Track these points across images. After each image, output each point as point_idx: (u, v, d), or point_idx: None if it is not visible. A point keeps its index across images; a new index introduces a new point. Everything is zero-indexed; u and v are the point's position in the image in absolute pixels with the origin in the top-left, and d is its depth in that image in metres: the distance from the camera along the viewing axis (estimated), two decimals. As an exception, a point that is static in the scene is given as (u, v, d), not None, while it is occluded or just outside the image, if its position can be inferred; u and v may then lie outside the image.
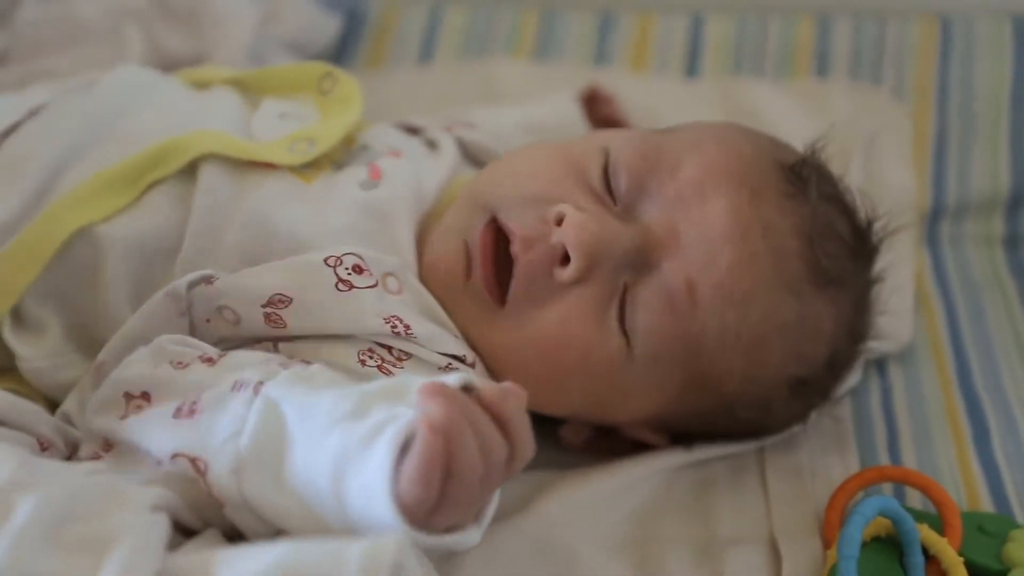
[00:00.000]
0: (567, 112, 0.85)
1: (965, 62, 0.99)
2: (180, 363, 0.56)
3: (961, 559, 0.57)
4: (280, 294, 0.59)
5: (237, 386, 0.53)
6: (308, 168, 0.66)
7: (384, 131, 0.72)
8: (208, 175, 0.63)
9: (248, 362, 0.56)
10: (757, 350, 0.63)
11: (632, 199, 0.63)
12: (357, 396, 0.50)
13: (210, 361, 0.56)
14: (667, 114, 0.97)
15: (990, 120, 0.97)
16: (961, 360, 0.79)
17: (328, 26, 1.05)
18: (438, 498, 0.46)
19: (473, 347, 0.63)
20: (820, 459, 0.69)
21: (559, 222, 0.60)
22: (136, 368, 0.56)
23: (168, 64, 0.94)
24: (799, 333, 0.64)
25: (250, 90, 0.73)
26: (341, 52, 1.08)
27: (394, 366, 0.59)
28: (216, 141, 0.64)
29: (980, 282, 0.88)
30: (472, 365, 0.62)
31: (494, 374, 0.63)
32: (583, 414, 0.66)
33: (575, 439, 0.68)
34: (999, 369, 0.78)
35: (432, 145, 0.73)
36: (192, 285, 0.59)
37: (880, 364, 0.78)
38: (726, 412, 0.66)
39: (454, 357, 0.62)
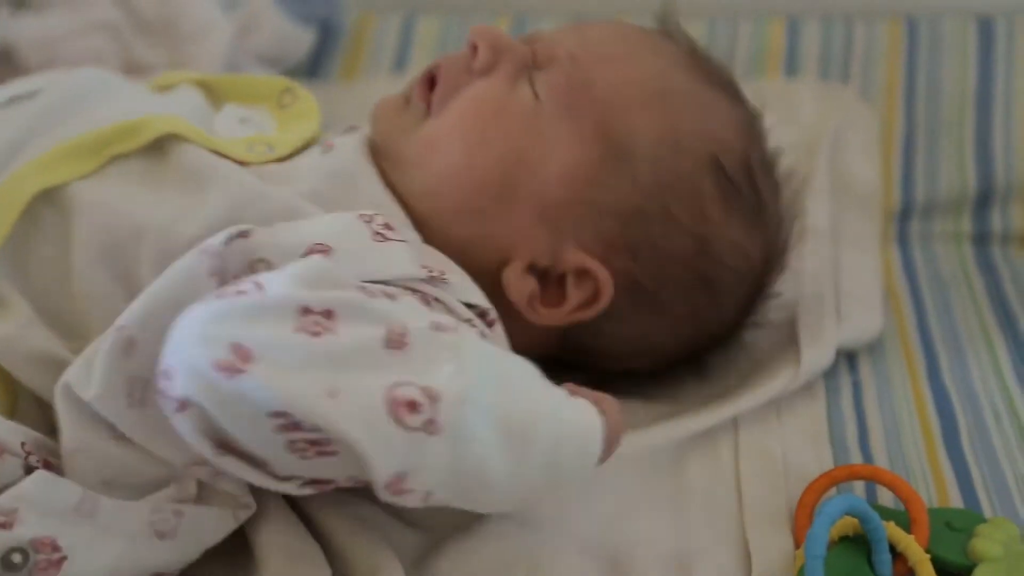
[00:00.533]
0: None
1: (931, 62, 1.01)
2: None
3: (928, 555, 0.58)
4: (320, 243, 0.58)
5: (435, 327, 0.51)
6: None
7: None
8: (182, 147, 0.64)
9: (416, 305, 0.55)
10: (668, 110, 0.68)
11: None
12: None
13: (387, 296, 0.54)
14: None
15: (956, 119, 0.98)
16: (930, 355, 0.80)
17: (302, 39, 1.05)
18: None
19: (398, 166, 0.67)
20: (795, 456, 0.69)
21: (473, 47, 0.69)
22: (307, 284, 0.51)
23: (143, 77, 0.96)
24: (708, 111, 0.70)
25: (213, 93, 0.75)
26: (316, 64, 1.09)
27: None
28: (181, 125, 0.66)
29: (948, 278, 0.89)
30: (492, 323, 0.62)
31: (408, 185, 0.67)
32: (511, 180, 0.66)
33: (520, 289, 0.66)
34: (967, 364, 0.79)
35: None
36: (229, 240, 0.56)
37: (851, 359, 0.79)
38: (661, 218, 0.67)
39: (477, 310, 0.62)
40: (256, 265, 0.57)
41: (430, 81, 0.69)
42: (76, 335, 0.60)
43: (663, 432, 0.69)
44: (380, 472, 0.47)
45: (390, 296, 0.54)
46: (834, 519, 0.56)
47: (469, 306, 0.62)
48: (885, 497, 0.66)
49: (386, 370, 0.48)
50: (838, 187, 0.93)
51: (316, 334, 0.47)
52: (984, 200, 0.95)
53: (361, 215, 0.61)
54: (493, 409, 0.50)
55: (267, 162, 0.68)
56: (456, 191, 0.66)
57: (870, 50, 1.03)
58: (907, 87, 1.01)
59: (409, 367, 0.49)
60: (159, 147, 0.65)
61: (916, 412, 0.75)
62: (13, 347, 0.59)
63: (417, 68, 1.05)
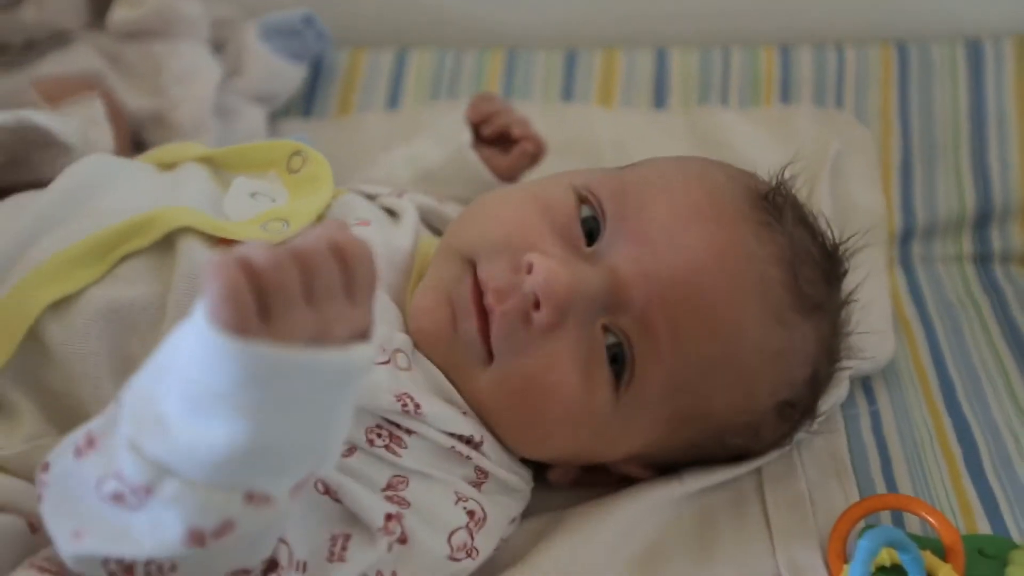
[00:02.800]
0: (458, 149, 0.85)
1: (923, 86, 1.02)
2: None
3: (966, 584, 0.58)
4: None
5: None
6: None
7: (350, 201, 0.71)
8: (189, 245, 0.62)
9: None
10: (747, 381, 0.64)
11: (603, 242, 0.63)
12: None
13: None
14: (636, 146, 0.99)
15: (951, 141, 0.99)
16: (945, 381, 0.81)
17: (294, 77, 1.05)
18: (263, 318, 0.44)
19: (466, 399, 0.63)
20: (820, 489, 0.69)
21: (529, 270, 0.60)
22: None
23: (130, 122, 0.95)
24: (787, 359, 0.65)
25: (219, 167, 0.72)
26: (311, 102, 1.08)
27: (399, 445, 0.59)
28: (191, 217, 0.64)
29: (954, 301, 0.90)
30: (479, 444, 0.62)
31: (491, 434, 0.63)
32: (571, 458, 0.67)
33: (563, 480, 0.69)
34: (982, 387, 0.79)
35: (391, 212, 0.73)
36: None
37: (867, 387, 0.80)
38: (715, 441, 0.67)
39: (460, 438, 0.62)
40: None
41: (483, 311, 0.62)
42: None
43: (691, 482, 0.69)
44: None
45: None
46: (875, 552, 0.57)
47: (453, 435, 0.61)
48: (913, 525, 0.66)
49: None
50: (842, 214, 0.93)
51: None
52: (983, 220, 0.96)
53: None
54: None
55: (285, 241, 0.66)
56: (515, 447, 0.64)
57: (863, 75, 1.04)
58: (901, 111, 1.01)
59: None
60: (169, 241, 0.63)
61: (937, 439, 0.75)
62: (24, 464, 0.58)
63: (411, 104, 1.07)
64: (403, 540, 0.57)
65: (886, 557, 0.60)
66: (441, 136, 0.88)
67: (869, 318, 0.83)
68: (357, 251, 0.47)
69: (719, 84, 1.05)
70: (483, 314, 0.62)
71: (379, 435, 0.59)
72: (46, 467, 0.50)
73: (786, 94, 1.04)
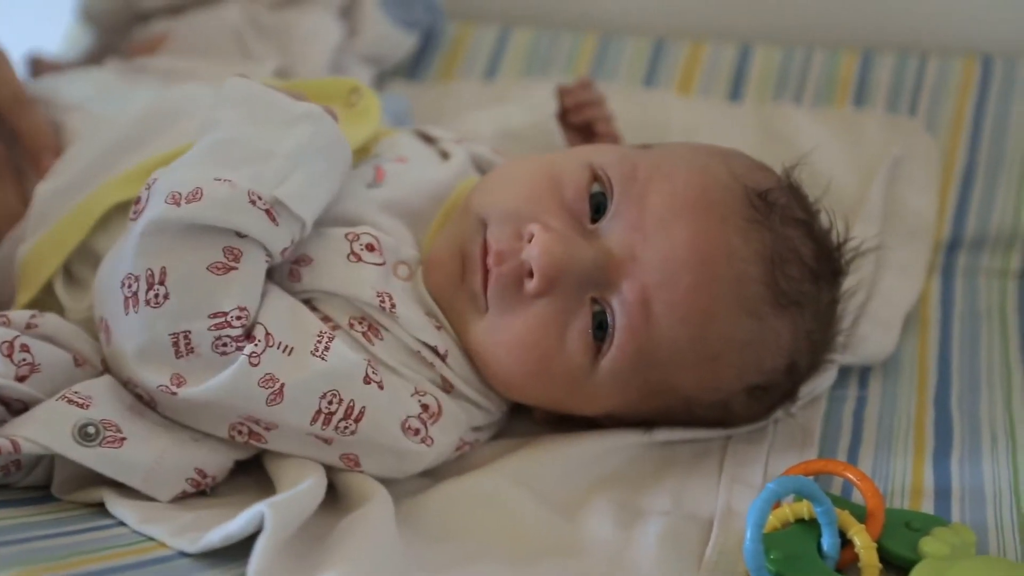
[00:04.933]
0: (544, 119, 0.91)
1: (1001, 101, 1.02)
2: None
3: (874, 545, 0.61)
4: (306, 255, 0.69)
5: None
6: None
7: (397, 140, 0.80)
8: None
9: None
10: (713, 364, 0.69)
11: (607, 220, 0.69)
12: None
13: None
14: (705, 135, 1.03)
15: (1018, 158, 0.99)
16: (943, 381, 0.82)
17: (404, 43, 1.15)
18: None
19: (459, 341, 0.70)
20: (779, 455, 0.73)
21: (530, 240, 0.67)
22: None
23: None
24: (756, 350, 0.69)
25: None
26: (416, 67, 1.18)
27: (375, 336, 0.68)
28: None
29: (983, 312, 0.90)
30: (444, 356, 0.69)
31: (474, 366, 0.71)
32: (549, 407, 0.74)
33: (545, 420, 0.76)
34: (979, 392, 0.80)
35: (445, 155, 0.81)
36: None
37: (863, 375, 0.82)
38: (685, 410, 0.72)
39: (427, 346, 0.69)
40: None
41: (487, 269, 0.69)
42: None
43: (660, 435, 0.74)
44: None
45: None
46: (780, 494, 0.60)
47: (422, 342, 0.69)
48: (859, 499, 0.69)
49: None
50: (892, 215, 0.96)
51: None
52: (1037, 239, 0.96)
53: (348, 234, 0.69)
54: None
55: None
56: (499, 389, 0.71)
57: (940, 85, 1.04)
58: (973, 123, 1.02)
59: None
60: None
61: (914, 428, 0.77)
62: (85, 324, 0.70)
63: (505, 78, 1.15)
64: (380, 386, 0.65)
65: (805, 511, 0.63)
66: (531, 104, 0.95)
67: (881, 312, 0.86)
68: None
69: (796, 82, 1.08)
70: (487, 271, 0.69)
71: (360, 323, 0.68)
72: None
73: (860, 98, 1.06)
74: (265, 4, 1.11)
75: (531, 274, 0.67)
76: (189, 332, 0.61)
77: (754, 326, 0.68)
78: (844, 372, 0.81)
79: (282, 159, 0.66)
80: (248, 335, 0.63)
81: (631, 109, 1.03)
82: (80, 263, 0.73)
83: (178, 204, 0.62)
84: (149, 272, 0.62)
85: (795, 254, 0.70)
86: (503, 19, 1.21)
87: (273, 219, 0.64)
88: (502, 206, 0.71)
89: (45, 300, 0.72)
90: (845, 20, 1.12)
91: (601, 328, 0.68)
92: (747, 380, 0.71)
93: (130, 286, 0.62)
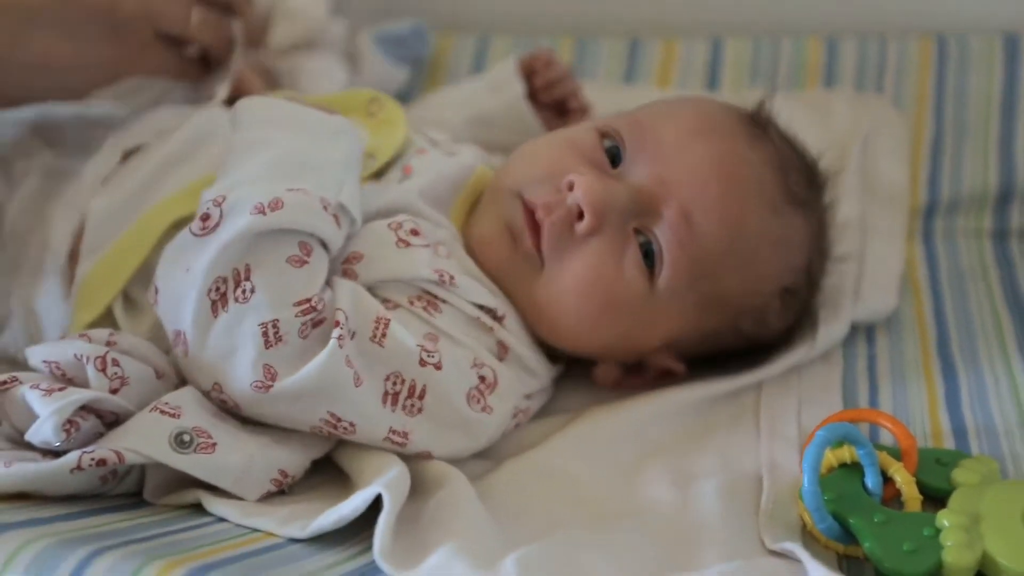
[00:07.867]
0: (514, 101, 0.97)
1: (959, 75, 1.10)
2: None
3: (913, 479, 0.67)
4: (356, 252, 0.73)
5: None
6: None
7: (415, 140, 0.84)
8: None
9: None
10: (754, 262, 0.77)
11: (625, 165, 0.77)
12: None
13: None
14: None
15: (981, 126, 1.07)
16: (942, 334, 0.89)
17: (399, 76, 1.20)
18: None
19: (521, 307, 0.76)
20: (808, 410, 0.79)
21: (571, 188, 0.74)
22: None
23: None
24: (786, 246, 0.79)
25: None
26: (407, 89, 1.22)
27: (435, 309, 0.72)
28: None
29: (966, 269, 0.98)
30: (502, 318, 0.75)
31: (536, 327, 0.77)
32: (615, 348, 0.79)
33: (606, 378, 0.81)
34: (976, 343, 0.87)
35: (451, 154, 0.85)
36: None
37: (869, 334, 0.89)
38: (732, 328, 0.80)
39: (485, 309, 0.74)
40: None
41: (535, 226, 0.75)
42: None
43: (696, 391, 0.80)
44: None
45: None
46: (830, 440, 0.66)
47: (480, 307, 0.74)
48: (888, 442, 0.75)
49: None
50: (868, 186, 1.03)
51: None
52: (1005, 199, 1.04)
53: (390, 223, 0.74)
54: None
55: (375, 172, 0.80)
56: (567, 341, 0.78)
57: (902, 65, 1.12)
58: (936, 97, 1.10)
59: None
60: None
61: (924, 377, 0.83)
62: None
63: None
64: (438, 367, 0.69)
65: (847, 455, 0.69)
66: (492, 83, 1.00)
67: (877, 276, 0.93)
68: None
69: (767, 71, 1.15)
70: (535, 229, 0.75)
71: (418, 300, 0.72)
72: None
73: (830, 81, 1.14)
74: (274, 53, 1.14)
75: (580, 216, 0.74)
76: (277, 321, 0.65)
77: (780, 223, 0.78)
78: (853, 332, 0.87)
79: (337, 168, 0.71)
80: (331, 320, 0.67)
81: (616, 103, 1.08)
82: (137, 284, 0.75)
83: (264, 213, 0.66)
84: (235, 271, 0.65)
85: (793, 163, 0.80)
86: (479, 28, 1.26)
87: (338, 222, 0.69)
88: (532, 174, 0.78)
89: (98, 320, 0.75)
90: (806, 9, 1.19)
91: (648, 257, 0.75)
92: (783, 280, 0.79)
93: (218, 288, 0.65)
